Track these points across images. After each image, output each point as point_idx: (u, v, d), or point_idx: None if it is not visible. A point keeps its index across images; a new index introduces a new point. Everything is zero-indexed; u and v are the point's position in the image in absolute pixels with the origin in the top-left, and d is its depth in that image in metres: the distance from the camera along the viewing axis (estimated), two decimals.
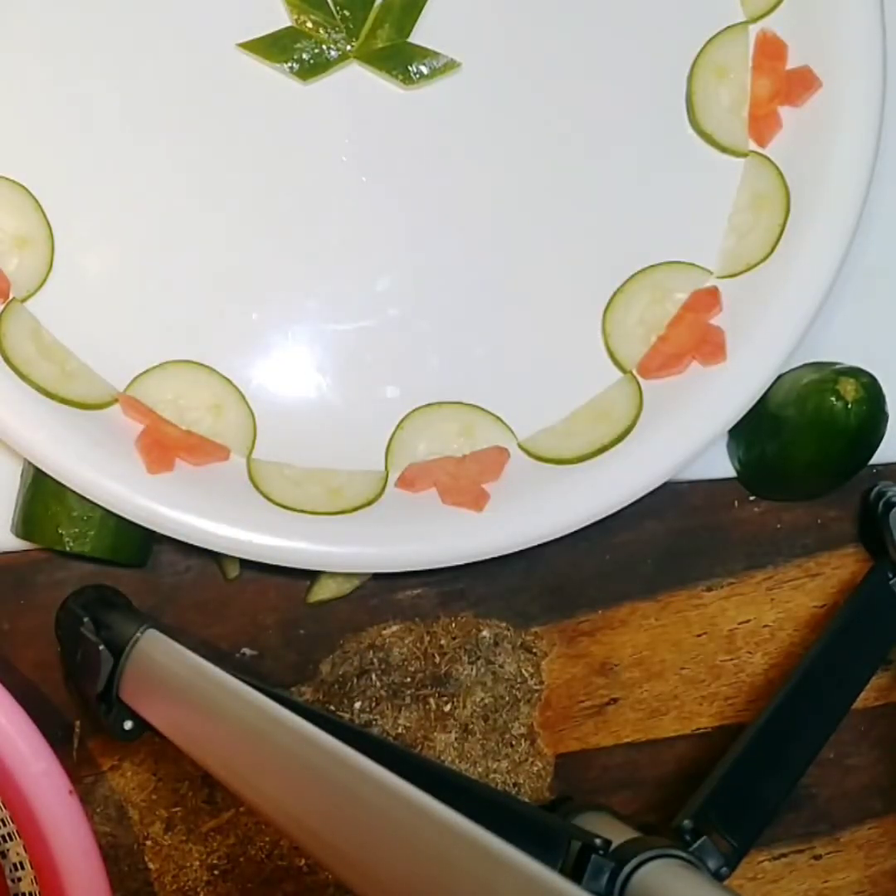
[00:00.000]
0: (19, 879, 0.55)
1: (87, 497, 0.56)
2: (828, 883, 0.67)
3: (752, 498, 0.66)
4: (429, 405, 0.61)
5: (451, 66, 0.61)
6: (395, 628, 0.63)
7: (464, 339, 0.61)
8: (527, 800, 0.63)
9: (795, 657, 0.66)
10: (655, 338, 0.62)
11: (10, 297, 0.57)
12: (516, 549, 0.59)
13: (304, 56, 0.60)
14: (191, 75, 0.60)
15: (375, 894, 0.36)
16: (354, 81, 0.61)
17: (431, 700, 0.63)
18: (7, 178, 0.58)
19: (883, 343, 0.67)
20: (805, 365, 0.63)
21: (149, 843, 0.61)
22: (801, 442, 0.62)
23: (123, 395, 0.58)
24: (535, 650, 0.64)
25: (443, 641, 0.63)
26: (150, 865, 0.61)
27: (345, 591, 0.62)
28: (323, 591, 0.61)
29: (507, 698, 0.63)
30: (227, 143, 0.60)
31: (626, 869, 0.50)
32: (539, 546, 0.60)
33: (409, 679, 0.63)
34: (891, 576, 0.63)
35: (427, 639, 0.63)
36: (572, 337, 0.62)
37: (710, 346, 0.61)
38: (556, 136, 0.62)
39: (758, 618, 0.66)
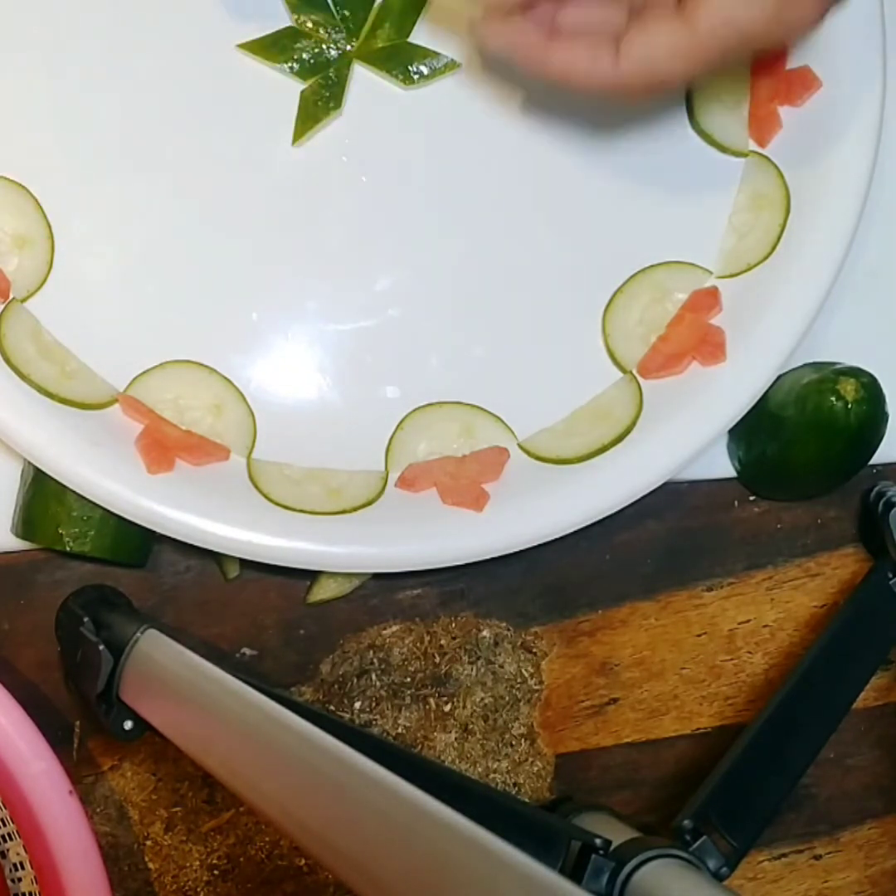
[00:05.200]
0: (19, 879, 0.55)
1: (87, 497, 0.56)
2: (828, 883, 0.67)
3: (752, 498, 0.66)
4: (429, 405, 0.61)
5: (451, 66, 0.61)
6: (395, 628, 0.63)
7: (464, 339, 0.61)
8: (527, 800, 0.63)
9: (795, 657, 0.66)
10: (655, 338, 0.62)
11: (10, 297, 0.57)
12: (516, 549, 0.59)
13: (304, 56, 0.60)
14: (190, 76, 0.60)
15: (375, 894, 0.36)
16: (354, 81, 0.61)
17: (431, 700, 0.63)
18: (7, 178, 0.58)
19: (883, 343, 0.67)
20: (805, 365, 0.63)
21: (149, 843, 0.61)
22: (801, 442, 0.62)
23: (123, 395, 0.58)
24: (535, 650, 0.64)
25: (443, 641, 0.63)
26: (150, 865, 0.61)
27: (345, 591, 0.62)
28: (323, 591, 0.61)
29: (507, 698, 0.63)
30: (227, 144, 0.60)
31: (626, 869, 0.50)
32: (539, 546, 0.60)
33: (409, 679, 0.63)
34: (891, 576, 0.63)
35: (427, 639, 0.63)
36: (572, 337, 0.62)
37: (710, 346, 0.61)
38: (556, 135, 0.62)
39: (758, 618, 0.66)
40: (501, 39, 0.53)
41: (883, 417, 0.62)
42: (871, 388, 0.61)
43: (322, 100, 0.60)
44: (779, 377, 0.62)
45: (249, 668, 0.61)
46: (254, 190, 0.60)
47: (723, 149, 0.63)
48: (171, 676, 0.52)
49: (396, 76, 0.61)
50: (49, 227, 0.58)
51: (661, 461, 0.60)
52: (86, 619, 0.56)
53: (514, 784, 0.64)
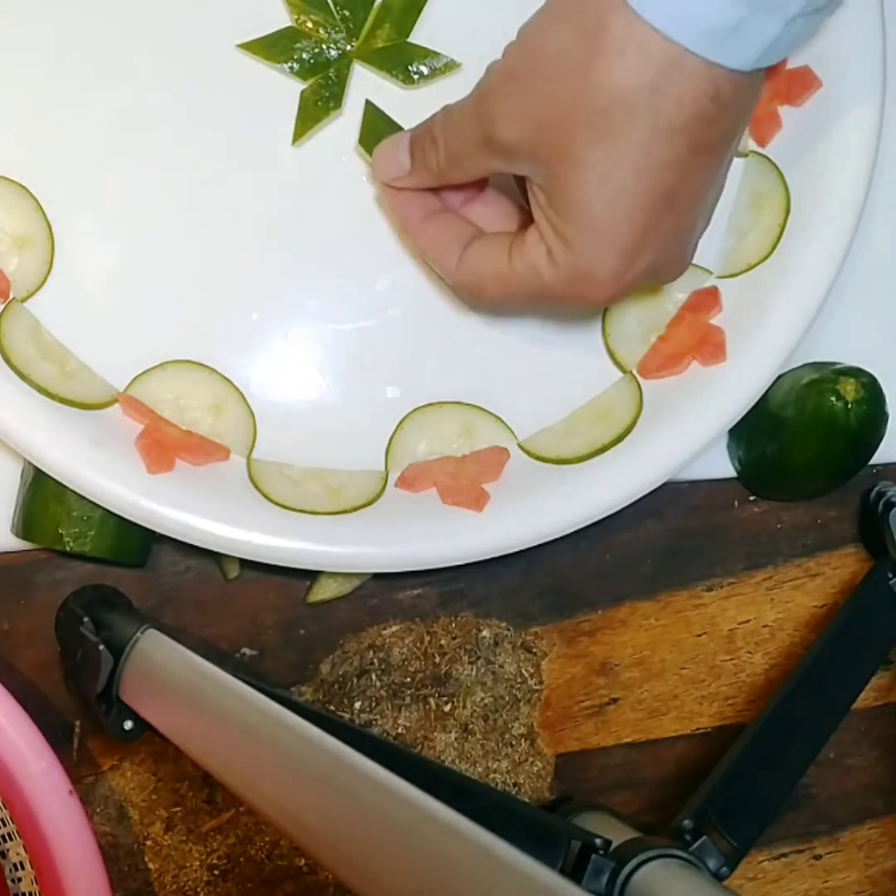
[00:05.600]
0: (19, 879, 0.55)
1: (87, 497, 0.56)
2: (828, 883, 0.67)
3: (752, 498, 0.66)
4: (429, 405, 0.61)
5: (451, 66, 0.61)
6: (395, 628, 0.63)
7: (464, 339, 0.61)
8: (527, 800, 0.63)
9: (795, 657, 0.66)
10: (655, 338, 0.62)
11: (10, 297, 0.57)
12: (516, 549, 0.59)
13: (304, 56, 0.60)
14: (191, 76, 0.60)
15: (375, 894, 0.36)
16: (354, 81, 0.61)
17: (431, 700, 0.63)
18: (7, 178, 0.58)
19: (883, 343, 0.67)
20: (805, 365, 0.63)
21: (149, 843, 0.61)
22: (801, 442, 0.62)
23: (123, 395, 0.58)
24: (535, 650, 0.64)
25: (443, 641, 0.63)
26: (150, 865, 0.61)
27: (345, 591, 0.62)
28: (323, 591, 0.61)
29: (507, 698, 0.63)
30: (227, 144, 0.60)
31: (626, 869, 0.50)
32: (539, 546, 0.60)
33: (409, 679, 0.63)
34: (891, 576, 0.63)
35: (427, 639, 0.63)
36: (572, 337, 0.62)
37: (710, 346, 0.61)
38: None
39: (758, 618, 0.66)
40: (392, 204, 0.59)
41: (883, 417, 0.62)
42: (871, 388, 0.61)
43: (322, 100, 0.60)
44: (779, 377, 0.62)
45: (249, 668, 0.61)
46: (254, 190, 0.60)
47: None
48: (171, 676, 0.52)
49: (396, 76, 0.61)
50: (49, 227, 0.58)
51: (661, 461, 0.60)
52: (86, 619, 0.56)
53: (514, 784, 0.64)
